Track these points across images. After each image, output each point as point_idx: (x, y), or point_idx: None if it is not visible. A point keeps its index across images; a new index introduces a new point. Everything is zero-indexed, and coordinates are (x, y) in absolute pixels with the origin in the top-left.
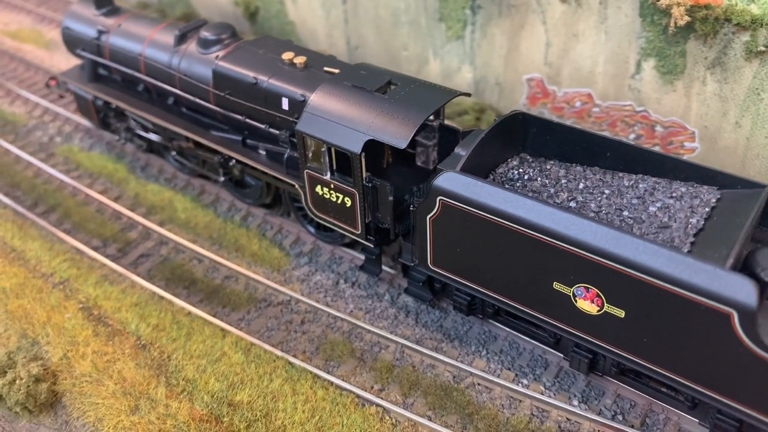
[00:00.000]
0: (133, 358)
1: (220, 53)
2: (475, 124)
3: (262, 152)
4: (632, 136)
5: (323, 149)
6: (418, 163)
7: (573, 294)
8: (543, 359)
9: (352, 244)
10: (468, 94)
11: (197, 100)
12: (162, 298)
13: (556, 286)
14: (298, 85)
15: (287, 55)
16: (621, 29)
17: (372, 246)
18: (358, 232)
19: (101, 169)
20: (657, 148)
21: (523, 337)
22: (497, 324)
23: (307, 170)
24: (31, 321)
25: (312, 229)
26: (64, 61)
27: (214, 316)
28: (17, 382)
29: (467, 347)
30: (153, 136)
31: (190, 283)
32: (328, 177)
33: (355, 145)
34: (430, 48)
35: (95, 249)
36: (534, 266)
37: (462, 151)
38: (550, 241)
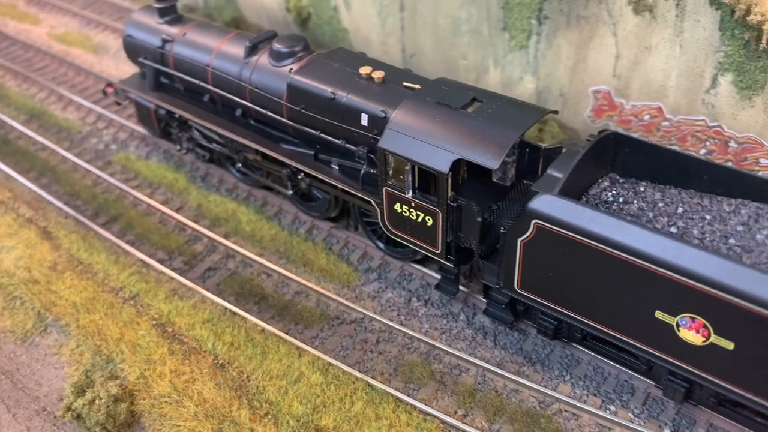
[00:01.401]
0: (212, 377)
1: (294, 66)
2: (538, 136)
3: (335, 167)
4: (703, 151)
5: (407, 167)
6: (495, 179)
7: (677, 324)
8: (629, 385)
9: (423, 261)
10: (555, 112)
11: (269, 113)
12: (234, 314)
13: (659, 314)
14: (378, 100)
15: (365, 70)
16: (697, 43)
17: (451, 266)
18: (438, 252)
19: (161, 178)
20: (730, 164)
21: (608, 362)
22: (581, 348)
23: (386, 188)
24: (104, 337)
25: (381, 245)
26: (113, 66)
27: (287, 333)
28: (97, 402)
29: (550, 371)
30: (218, 147)
31: (261, 299)
32: (409, 195)
33: (442, 165)
34: (491, 57)
35: (161, 262)
36: (635, 294)
37: (557, 173)
38: (655, 269)
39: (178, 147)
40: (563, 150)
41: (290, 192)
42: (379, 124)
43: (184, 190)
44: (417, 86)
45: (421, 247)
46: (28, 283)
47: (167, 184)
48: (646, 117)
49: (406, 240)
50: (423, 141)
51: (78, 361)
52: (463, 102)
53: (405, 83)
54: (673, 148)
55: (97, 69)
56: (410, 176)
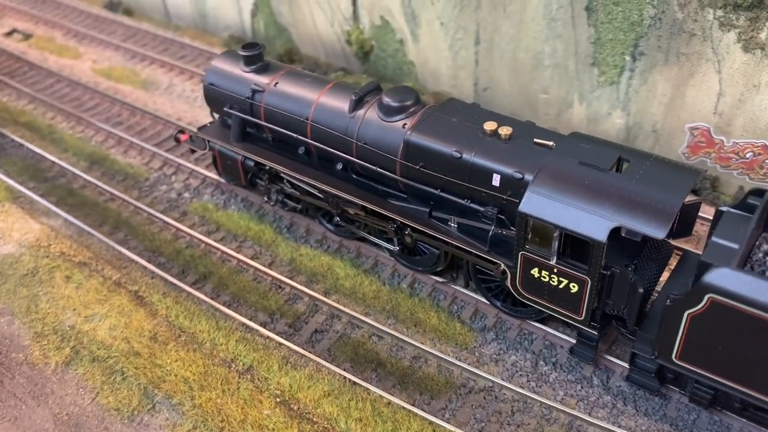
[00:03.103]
0: None
1: (408, 122)
2: None
3: (453, 225)
4: None
5: (554, 234)
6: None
7: None
8: None
9: (545, 320)
10: (702, 172)
11: (379, 170)
12: (354, 384)
13: None
14: (511, 160)
15: (490, 126)
16: None
17: (595, 333)
18: (581, 319)
19: (245, 230)
20: None
21: (763, 429)
22: (733, 415)
23: (523, 252)
24: (226, 419)
25: (498, 303)
26: (168, 104)
27: (414, 405)
28: None
29: None
30: (315, 201)
31: (377, 365)
32: (553, 262)
33: (598, 233)
34: (576, 92)
35: (265, 325)
36: None
37: (730, 242)
38: None
39: (266, 198)
40: (724, 212)
41: (396, 248)
42: (513, 185)
43: (273, 243)
44: (550, 143)
45: (560, 313)
46: (130, 356)
47: (253, 236)
48: (749, 155)
49: (540, 305)
50: (573, 206)
51: None
52: (610, 162)
53: (536, 140)
54: None
55: (151, 107)
56: (557, 243)
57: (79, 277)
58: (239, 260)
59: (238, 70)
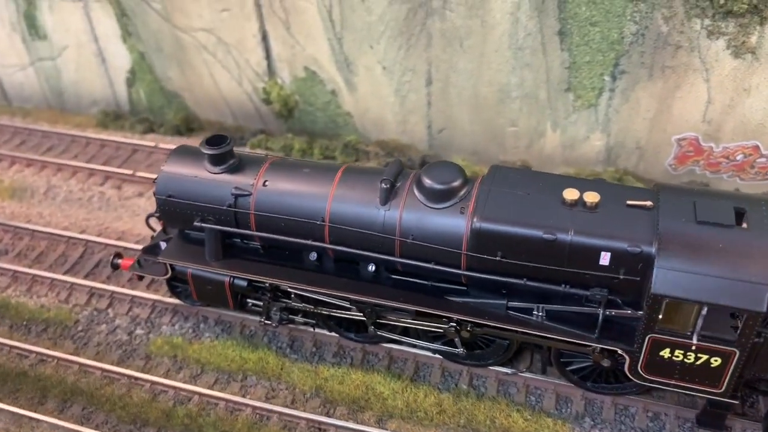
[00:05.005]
0: None
1: (466, 206)
2: None
3: (540, 314)
4: None
5: (698, 311)
6: None
7: None
8: None
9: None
10: None
11: (438, 267)
12: None
13: None
14: (616, 233)
15: (571, 195)
16: None
17: (736, 402)
18: (721, 391)
19: (240, 363)
20: None
21: None
22: None
23: (653, 335)
24: None
25: (589, 384)
26: (58, 214)
27: None
28: None
29: None
30: (337, 313)
31: None
32: (694, 340)
33: (755, 302)
34: (549, 120)
35: None
36: None
37: None
38: None
39: (264, 320)
40: None
41: (461, 350)
42: (627, 261)
43: (282, 372)
44: (647, 203)
45: (694, 390)
46: None
47: (254, 368)
48: (739, 157)
49: (668, 384)
50: (716, 276)
51: None
52: (730, 215)
53: (629, 202)
54: None
55: (38, 222)
56: (701, 320)
57: None
58: (254, 408)
59: (204, 172)
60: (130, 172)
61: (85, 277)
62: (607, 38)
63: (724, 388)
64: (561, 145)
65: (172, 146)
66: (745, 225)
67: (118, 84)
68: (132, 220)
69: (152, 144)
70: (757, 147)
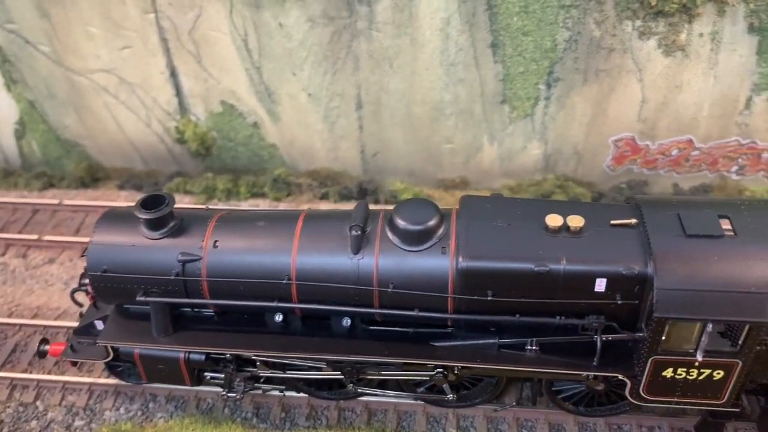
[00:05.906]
0: None
1: (448, 245)
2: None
3: (533, 348)
4: (735, 168)
5: (707, 327)
6: None
7: None
8: None
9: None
10: None
11: (424, 314)
12: None
13: None
14: (607, 258)
15: (553, 221)
16: (732, 70)
17: (737, 410)
18: (722, 402)
19: None
20: (761, 174)
21: None
22: None
23: (656, 357)
24: None
25: (582, 408)
26: None
27: None
28: None
29: None
30: (310, 375)
31: None
32: (699, 357)
33: (760, 313)
34: (485, 134)
35: None
36: None
37: None
38: None
39: (225, 392)
40: None
41: (451, 396)
42: (622, 285)
43: None
44: (631, 221)
45: (695, 404)
46: None
47: None
48: (674, 152)
49: (669, 402)
50: (717, 291)
51: None
52: (716, 224)
53: (613, 222)
54: None
55: None
56: (707, 337)
57: None
58: None
59: (141, 239)
60: (34, 237)
61: (2, 367)
62: (540, 47)
63: (725, 398)
64: (499, 158)
65: (79, 201)
66: (735, 234)
67: (6, 138)
68: (45, 293)
69: (55, 201)
70: (690, 141)
